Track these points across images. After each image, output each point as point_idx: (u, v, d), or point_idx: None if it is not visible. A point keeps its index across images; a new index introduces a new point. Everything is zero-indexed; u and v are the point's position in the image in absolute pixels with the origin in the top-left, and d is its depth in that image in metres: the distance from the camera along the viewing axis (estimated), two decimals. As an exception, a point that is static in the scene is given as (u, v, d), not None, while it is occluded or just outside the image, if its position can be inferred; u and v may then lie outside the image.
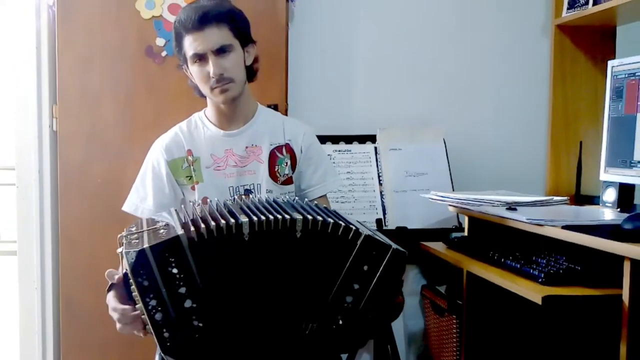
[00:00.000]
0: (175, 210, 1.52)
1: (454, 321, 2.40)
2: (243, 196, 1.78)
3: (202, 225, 1.33)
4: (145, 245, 1.29)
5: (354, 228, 1.38)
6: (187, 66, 1.85)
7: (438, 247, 2.28)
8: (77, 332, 2.51)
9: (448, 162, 2.71)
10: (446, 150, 2.73)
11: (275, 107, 2.34)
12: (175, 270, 1.30)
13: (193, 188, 1.88)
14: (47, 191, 2.60)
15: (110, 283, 1.48)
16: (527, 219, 1.88)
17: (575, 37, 2.80)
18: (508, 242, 2.05)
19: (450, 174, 2.69)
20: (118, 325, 1.44)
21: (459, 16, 2.90)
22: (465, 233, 2.41)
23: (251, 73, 1.91)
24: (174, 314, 1.30)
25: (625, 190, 2.10)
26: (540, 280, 1.66)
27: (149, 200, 1.89)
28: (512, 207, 2.10)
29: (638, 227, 1.61)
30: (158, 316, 1.30)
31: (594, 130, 2.72)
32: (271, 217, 1.36)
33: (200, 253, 1.32)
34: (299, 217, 1.37)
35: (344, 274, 1.38)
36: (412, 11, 2.89)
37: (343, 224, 1.39)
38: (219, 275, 1.35)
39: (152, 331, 1.31)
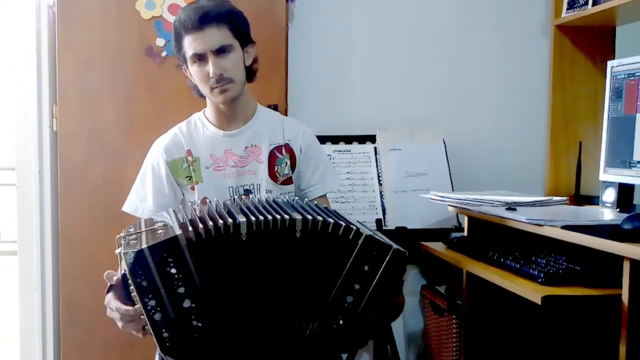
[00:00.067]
0: (174, 210, 1.52)
1: (454, 321, 2.41)
2: (243, 196, 1.78)
3: (200, 225, 1.33)
4: (144, 245, 1.29)
5: (354, 228, 1.38)
6: (187, 66, 1.85)
7: (438, 247, 2.29)
8: (77, 332, 2.51)
9: (448, 162, 2.71)
10: (446, 151, 2.73)
11: (275, 108, 2.34)
12: (173, 270, 1.30)
13: (193, 188, 1.88)
14: (47, 191, 2.61)
15: (109, 284, 1.48)
16: (527, 219, 1.89)
17: (575, 38, 2.80)
18: (508, 242, 2.06)
19: (450, 174, 2.69)
20: (120, 324, 1.44)
21: (459, 17, 2.90)
22: (465, 233, 2.42)
23: (250, 73, 1.91)
24: (173, 314, 1.31)
25: (625, 191, 2.11)
26: (539, 280, 1.66)
27: (148, 200, 1.89)
28: (511, 207, 2.10)
29: (637, 227, 1.61)
30: (157, 316, 1.30)
31: (594, 131, 2.72)
32: (269, 217, 1.36)
33: (198, 253, 1.32)
34: (299, 217, 1.37)
35: (344, 274, 1.38)
36: (411, 12, 2.89)
37: (344, 224, 1.39)
38: (217, 275, 1.35)
39: (151, 331, 1.31)
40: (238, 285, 1.37)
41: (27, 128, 2.59)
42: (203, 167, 1.89)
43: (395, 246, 1.38)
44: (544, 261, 1.77)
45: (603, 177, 2.18)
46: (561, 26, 2.79)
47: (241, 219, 1.34)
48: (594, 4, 2.56)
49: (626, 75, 2.10)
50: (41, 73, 2.59)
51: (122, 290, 1.43)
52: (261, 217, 1.36)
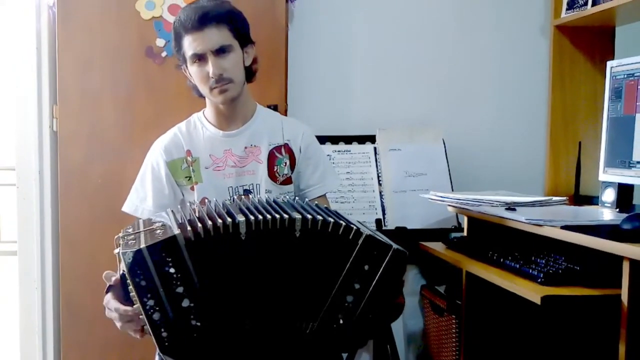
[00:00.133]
0: (172, 210, 1.52)
1: (453, 321, 2.41)
2: (242, 196, 1.78)
3: (199, 225, 1.34)
4: (142, 245, 1.30)
5: (354, 228, 1.38)
6: (187, 66, 1.85)
7: (437, 247, 2.29)
8: (77, 332, 2.51)
9: (447, 163, 2.71)
10: (445, 151, 2.74)
11: (275, 108, 2.34)
12: (172, 270, 1.31)
13: (192, 188, 1.88)
14: (48, 191, 2.61)
15: (108, 285, 1.48)
16: (526, 219, 1.89)
17: (575, 38, 2.80)
18: (507, 242, 2.06)
19: (450, 174, 2.69)
20: (118, 324, 1.44)
21: (458, 17, 2.91)
22: (465, 233, 2.42)
23: (250, 74, 1.91)
24: (172, 313, 1.31)
25: (624, 191, 2.11)
26: (539, 280, 1.66)
27: (148, 200, 1.89)
28: (511, 207, 2.10)
29: (637, 227, 1.61)
30: (156, 316, 1.30)
31: (593, 131, 2.72)
32: (269, 216, 1.37)
33: (197, 252, 1.33)
34: (298, 216, 1.37)
35: (344, 273, 1.38)
36: (411, 12, 2.89)
37: (344, 223, 1.39)
38: (216, 275, 1.35)
39: (150, 331, 1.32)
40: (237, 284, 1.37)
41: (27, 128, 2.60)
42: (202, 167, 1.89)
43: (395, 246, 1.38)
44: (543, 261, 1.78)
45: (602, 177, 2.19)
46: (561, 26, 2.80)
47: (240, 218, 1.35)
48: (593, 5, 2.57)
49: (625, 76, 2.10)
50: (41, 73, 2.59)
51: (121, 291, 1.43)
52: (260, 217, 1.36)
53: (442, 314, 2.53)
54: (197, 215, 1.41)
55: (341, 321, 1.38)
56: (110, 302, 1.46)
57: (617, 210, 2.09)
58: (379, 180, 2.68)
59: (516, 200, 2.23)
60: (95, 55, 2.49)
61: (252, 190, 1.89)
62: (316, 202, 1.66)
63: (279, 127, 1.96)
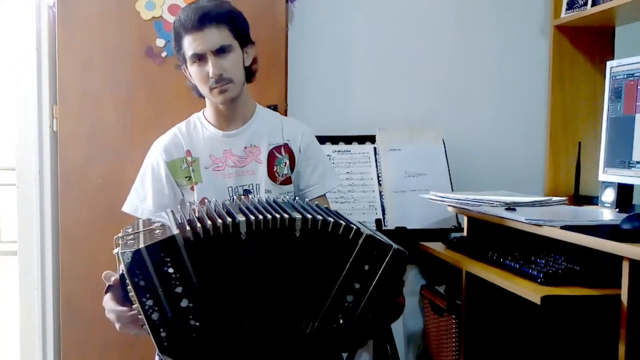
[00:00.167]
0: (172, 210, 1.52)
1: (453, 321, 2.41)
2: (242, 196, 1.78)
3: (199, 225, 1.34)
4: (141, 245, 1.30)
5: (354, 227, 1.38)
6: (186, 66, 1.85)
7: (437, 247, 2.29)
8: (77, 332, 2.51)
9: (447, 163, 2.72)
10: (445, 151, 2.74)
11: (275, 108, 2.34)
12: (171, 270, 1.30)
13: (192, 189, 1.88)
14: (48, 191, 2.61)
15: (107, 285, 1.48)
16: (526, 219, 1.89)
17: (574, 38, 2.80)
18: (507, 242, 2.06)
19: (450, 175, 2.69)
20: (117, 325, 1.44)
21: (458, 17, 2.91)
22: (465, 233, 2.42)
23: (250, 74, 1.91)
24: (171, 313, 1.31)
25: (624, 191, 2.11)
26: (539, 280, 1.66)
27: (148, 201, 1.89)
28: (511, 207, 2.10)
29: (636, 227, 1.62)
30: (155, 316, 1.30)
31: (593, 131, 2.73)
32: (269, 216, 1.37)
33: (196, 252, 1.32)
34: (298, 216, 1.37)
35: (344, 273, 1.38)
36: (411, 12, 2.89)
37: (344, 223, 1.39)
38: (216, 275, 1.35)
39: (149, 331, 1.32)
40: (237, 284, 1.37)
41: (27, 128, 2.60)
42: (202, 167, 1.89)
43: (395, 246, 1.38)
44: (543, 261, 1.78)
45: (602, 177, 2.19)
46: (560, 26, 2.80)
47: (240, 218, 1.35)
48: (593, 5, 2.57)
49: (625, 76, 2.10)
50: (41, 73, 2.59)
51: (120, 291, 1.43)
52: (260, 217, 1.36)
53: (442, 314, 2.53)
54: (196, 215, 1.41)
55: (341, 321, 1.38)
56: (108, 303, 1.46)
57: (617, 210, 2.09)
58: (378, 181, 2.68)
59: (516, 200, 2.23)
60: (95, 55, 2.49)
61: (251, 190, 1.89)
62: (316, 202, 1.66)
63: (279, 127, 1.96)
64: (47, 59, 2.59)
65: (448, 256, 2.17)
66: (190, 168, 1.89)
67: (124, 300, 1.41)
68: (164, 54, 2.49)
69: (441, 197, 2.38)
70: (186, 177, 1.89)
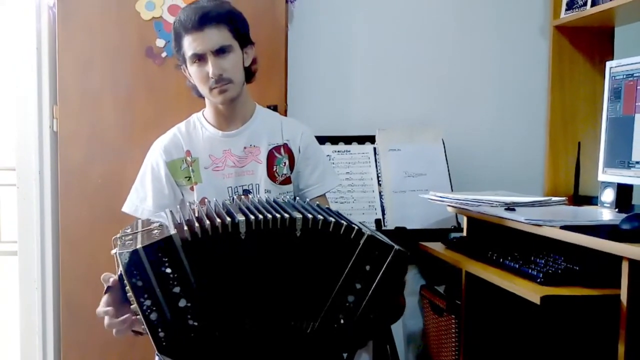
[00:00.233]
0: (171, 211, 1.52)
1: (453, 321, 2.41)
2: (242, 196, 1.78)
3: (197, 225, 1.34)
4: (139, 245, 1.30)
5: (356, 228, 1.38)
6: (186, 66, 1.85)
7: (437, 247, 2.29)
8: (77, 332, 2.51)
9: (447, 163, 2.72)
10: (445, 151, 2.74)
11: (274, 108, 2.34)
12: (168, 270, 1.30)
13: (192, 189, 1.88)
14: (48, 192, 2.61)
15: (106, 286, 1.48)
16: (526, 219, 1.89)
17: (574, 38, 2.81)
18: (507, 243, 2.06)
19: (449, 175, 2.70)
20: (113, 331, 1.44)
21: (458, 17, 2.91)
22: (464, 233, 2.42)
23: (249, 74, 1.91)
24: (169, 313, 1.30)
25: (624, 191, 2.11)
26: (538, 280, 1.66)
27: (148, 201, 1.90)
28: (510, 207, 2.10)
29: (636, 227, 1.62)
30: (153, 316, 1.30)
31: (592, 131, 2.73)
32: (269, 216, 1.37)
33: (194, 252, 1.32)
34: (299, 216, 1.37)
35: (346, 273, 1.37)
36: (410, 12, 2.90)
37: (345, 223, 1.39)
38: (214, 275, 1.35)
39: (147, 331, 1.32)
40: (236, 284, 1.37)
41: (28, 128, 2.60)
42: (202, 167, 1.89)
43: (397, 247, 1.38)
44: (542, 261, 1.78)
45: (602, 177, 2.19)
46: (560, 27, 2.80)
47: (240, 218, 1.35)
48: (592, 5, 2.57)
49: (625, 76, 2.10)
50: (41, 73, 2.59)
51: (119, 291, 1.43)
52: (260, 216, 1.36)
53: (442, 314, 2.53)
54: (196, 215, 1.41)
55: (342, 321, 1.38)
56: (100, 312, 1.44)
57: (617, 210, 2.09)
58: (378, 181, 2.69)
59: (515, 201, 2.23)
60: (96, 55, 2.49)
61: (251, 190, 1.89)
62: (317, 202, 1.66)
63: (278, 127, 1.96)
64: (47, 59, 2.59)
65: (448, 256, 2.17)
66: (190, 168, 1.89)
67: (123, 301, 1.41)
68: (164, 54, 2.49)
69: (441, 197, 2.38)
70: (186, 177, 1.90)
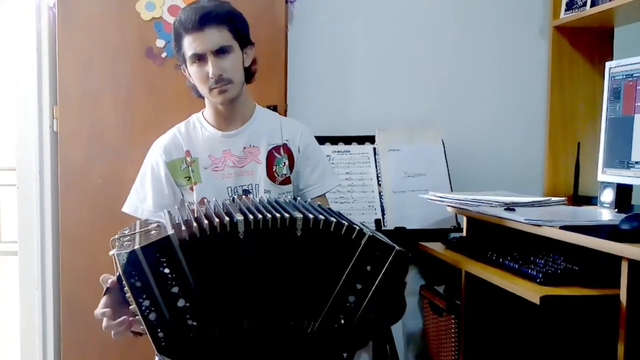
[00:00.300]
0: (169, 211, 1.52)
1: (453, 321, 2.41)
2: (243, 197, 1.78)
3: (195, 225, 1.34)
4: (136, 246, 1.30)
5: (357, 228, 1.38)
6: (186, 66, 1.85)
7: (436, 247, 2.29)
8: (77, 332, 2.51)
9: (447, 163, 2.72)
10: (445, 151, 2.74)
11: (274, 108, 2.35)
12: (167, 270, 1.31)
13: (192, 189, 1.89)
14: (48, 192, 2.61)
15: (105, 287, 1.48)
16: (525, 220, 1.89)
17: (573, 39, 2.81)
18: (506, 243, 2.06)
19: (449, 175, 2.70)
20: (112, 333, 1.44)
21: (458, 17, 2.91)
22: (464, 233, 2.42)
23: (249, 75, 1.92)
24: (168, 313, 1.31)
25: (623, 191, 2.11)
26: (538, 280, 1.66)
27: (148, 201, 1.90)
28: (510, 207, 2.11)
29: (635, 227, 1.62)
30: (152, 316, 1.30)
31: (592, 131, 2.73)
32: (269, 215, 1.37)
33: (192, 252, 1.33)
34: (300, 215, 1.37)
35: (347, 273, 1.37)
36: (410, 13, 2.90)
37: (346, 223, 1.39)
38: (213, 275, 1.35)
39: (146, 331, 1.32)
40: (235, 284, 1.37)
41: (28, 128, 2.60)
42: (202, 167, 1.89)
43: (398, 247, 1.38)
44: (542, 261, 1.78)
45: (601, 177, 2.19)
46: (560, 27, 2.80)
47: (239, 217, 1.35)
48: (592, 5, 2.57)
49: (624, 76, 2.11)
50: (41, 74, 2.59)
51: (118, 292, 1.43)
52: (260, 216, 1.36)
53: (442, 314, 2.53)
54: (195, 215, 1.41)
55: (342, 321, 1.38)
56: (97, 314, 1.44)
57: (616, 210, 2.09)
58: (378, 181, 2.69)
59: (515, 201, 2.23)
60: (96, 55, 2.50)
61: (251, 191, 1.89)
62: (317, 202, 1.66)
63: (278, 128, 1.96)
64: (47, 60, 2.59)
65: (447, 256, 2.17)
66: (190, 168, 1.89)
67: (122, 302, 1.41)
68: (163, 55, 2.49)
69: (440, 197, 2.38)
70: (186, 177, 1.90)
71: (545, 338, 2.18)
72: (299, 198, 1.63)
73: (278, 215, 1.37)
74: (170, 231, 1.33)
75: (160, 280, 1.30)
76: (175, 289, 1.31)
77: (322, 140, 2.49)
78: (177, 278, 1.31)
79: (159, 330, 1.31)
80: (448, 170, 2.70)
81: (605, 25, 2.73)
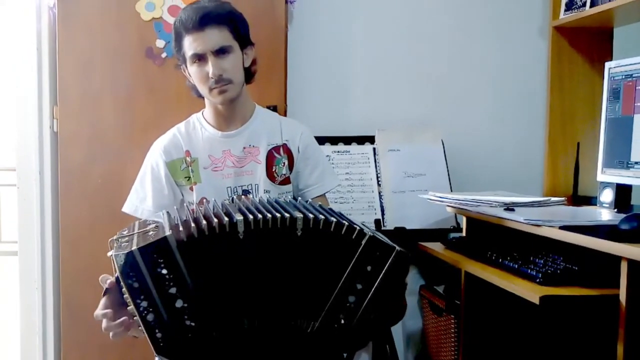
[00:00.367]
0: (168, 212, 1.52)
1: (452, 321, 2.41)
2: (243, 197, 1.79)
3: (193, 225, 1.34)
4: (134, 247, 1.30)
5: (357, 228, 1.39)
6: (186, 66, 1.86)
7: (436, 247, 2.29)
8: (78, 332, 2.51)
9: (446, 163, 2.72)
10: (444, 151, 2.74)
11: (274, 108, 2.35)
12: (164, 271, 1.31)
13: (191, 189, 1.89)
14: (48, 192, 2.61)
15: (105, 288, 1.48)
16: (525, 220, 1.89)
17: (573, 39, 2.81)
18: (506, 243, 2.06)
19: (449, 175, 2.70)
20: (110, 334, 1.44)
21: (457, 18, 2.91)
22: (463, 233, 2.42)
23: (249, 75, 1.92)
24: (166, 314, 1.31)
25: (622, 191, 2.11)
26: (537, 280, 1.67)
27: (148, 201, 1.90)
28: (509, 207, 2.11)
29: (635, 227, 1.62)
30: (150, 317, 1.30)
31: (592, 131, 2.73)
32: (269, 215, 1.37)
33: (190, 253, 1.33)
34: (300, 215, 1.37)
35: (347, 273, 1.38)
36: (409, 13, 2.90)
37: (346, 223, 1.39)
38: (212, 275, 1.35)
39: (144, 332, 1.32)
40: (235, 284, 1.37)
41: (28, 129, 2.60)
42: (201, 167, 1.90)
43: (398, 248, 1.39)
44: (541, 261, 1.78)
45: (601, 177, 2.19)
46: (559, 27, 2.80)
47: (238, 217, 1.35)
48: (591, 6, 2.57)
49: (624, 77, 2.11)
50: (42, 74, 2.59)
51: (117, 293, 1.43)
52: (260, 216, 1.36)
53: (441, 314, 2.53)
54: (194, 215, 1.42)
55: (342, 321, 1.38)
56: (98, 315, 1.44)
57: (615, 210, 2.10)
58: (378, 181, 2.69)
59: (515, 201, 2.23)
60: (96, 56, 2.50)
61: (250, 191, 1.90)
62: (318, 202, 1.66)
63: (278, 128, 1.96)
64: (47, 60, 2.59)
65: (447, 256, 2.17)
66: (190, 168, 1.89)
67: (121, 303, 1.41)
68: (164, 55, 2.49)
69: (440, 197, 2.38)
70: (185, 177, 1.90)
71: (545, 338, 2.18)
72: (299, 198, 1.63)
73: (278, 215, 1.37)
74: (168, 232, 1.33)
75: (158, 281, 1.30)
76: (173, 290, 1.31)
77: (322, 140, 2.49)
78: (175, 279, 1.31)
79: (157, 330, 1.31)
80: (448, 171, 2.71)
81: (604, 25, 2.74)
